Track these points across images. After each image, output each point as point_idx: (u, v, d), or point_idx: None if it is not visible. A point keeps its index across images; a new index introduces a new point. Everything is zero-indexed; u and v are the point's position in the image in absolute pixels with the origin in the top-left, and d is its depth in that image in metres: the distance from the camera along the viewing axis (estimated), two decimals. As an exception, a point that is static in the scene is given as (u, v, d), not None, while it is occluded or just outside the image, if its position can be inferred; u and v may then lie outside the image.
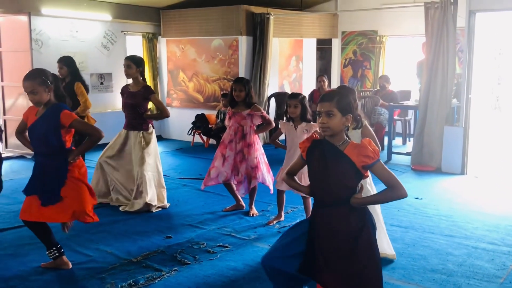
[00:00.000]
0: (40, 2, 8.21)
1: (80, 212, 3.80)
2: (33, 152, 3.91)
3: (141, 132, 5.49)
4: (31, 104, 3.80)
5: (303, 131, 4.74)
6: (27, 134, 3.94)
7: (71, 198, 3.75)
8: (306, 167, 2.89)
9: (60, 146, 3.73)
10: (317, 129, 4.69)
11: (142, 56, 5.83)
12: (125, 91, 5.58)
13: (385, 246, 4.10)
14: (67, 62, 6.32)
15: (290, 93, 5.65)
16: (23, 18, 7.92)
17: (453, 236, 4.74)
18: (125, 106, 5.55)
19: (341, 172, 2.65)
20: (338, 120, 2.65)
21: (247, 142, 5.21)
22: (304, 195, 2.95)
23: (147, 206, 5.39)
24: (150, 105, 5.81)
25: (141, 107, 5.47)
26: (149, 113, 5.63)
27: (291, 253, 2.79)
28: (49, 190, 3.72)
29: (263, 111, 5.28)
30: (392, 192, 2.64)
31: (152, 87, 5.60)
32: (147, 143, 5.49)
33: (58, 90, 3.80)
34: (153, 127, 5.64)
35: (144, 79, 5.57)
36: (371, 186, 4.03)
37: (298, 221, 3.03)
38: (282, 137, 5.17)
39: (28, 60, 7.89)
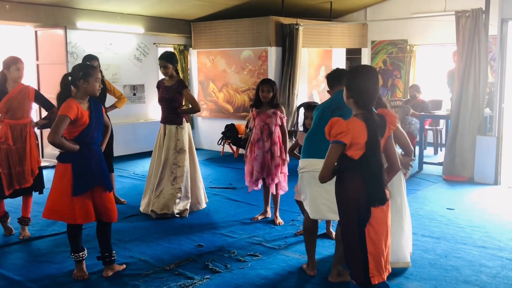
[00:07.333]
0: (75, 16, 8.46)
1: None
2: (76, 151, 3.87)
3: (175, 126, 5.64)
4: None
5: None
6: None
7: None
8: None
9: None
10: None
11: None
12: (161, 85, 5.76)
13: (401, 254, 4.06)
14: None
15: (304, 103, 5.67)
16: (60, 32, 8.15)
17: (487, 247, 4.68)
18: (161, 100, 5.71)
19: None
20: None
21: (274, 140, 5.23)
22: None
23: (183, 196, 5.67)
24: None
25: (176, 101, 5.62)
26: (184, 107, 5.78)
27: None
28: (108, 177, 3.99)
29: (284, 116, 5.31)
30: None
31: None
32: (181, 136, 5.65)
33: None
34: (187, 121, 5.79)
35: (177, 73, 5.75)
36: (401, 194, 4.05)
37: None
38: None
39: (64, 72, 7.97)
